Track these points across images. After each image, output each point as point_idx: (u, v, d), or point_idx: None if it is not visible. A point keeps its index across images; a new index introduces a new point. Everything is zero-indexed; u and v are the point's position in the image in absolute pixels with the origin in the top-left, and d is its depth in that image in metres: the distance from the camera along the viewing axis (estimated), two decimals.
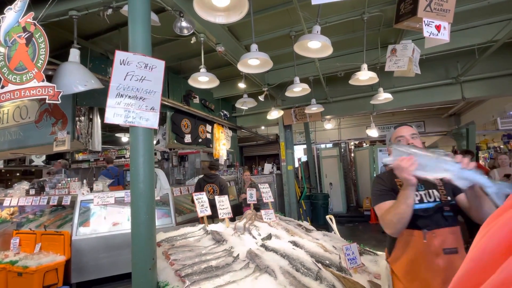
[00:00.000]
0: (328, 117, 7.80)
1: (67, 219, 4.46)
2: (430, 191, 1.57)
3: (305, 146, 10.32)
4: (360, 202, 9.60)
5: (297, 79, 4.29)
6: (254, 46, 2.93)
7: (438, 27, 2.44)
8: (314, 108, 5.78)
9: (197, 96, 6.36)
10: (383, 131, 10.29)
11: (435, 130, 10.24)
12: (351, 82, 4.05)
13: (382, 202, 1.57)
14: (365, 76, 3.80)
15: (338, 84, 6.49)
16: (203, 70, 3.71)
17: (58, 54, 4.46)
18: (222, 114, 7.51)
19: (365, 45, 4.22)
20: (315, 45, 2.91)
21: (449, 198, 1.53)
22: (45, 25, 2.77)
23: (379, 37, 4.87)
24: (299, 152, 11.10)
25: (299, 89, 4.24)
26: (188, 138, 5.87)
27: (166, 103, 5.24)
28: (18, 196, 4.95)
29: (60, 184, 4.97)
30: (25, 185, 5.35)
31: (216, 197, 3.38)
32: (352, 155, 10.91)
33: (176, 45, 4.91)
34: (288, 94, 4.50)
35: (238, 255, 2.39)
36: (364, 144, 11.06)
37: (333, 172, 9.71)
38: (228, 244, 2.68)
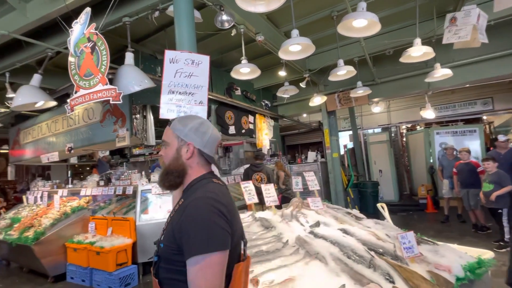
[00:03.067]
0: (375, 100, 7.32)
1: (131, 207, 4.99)
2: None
3: (350, 132, 9.87)
4: (415, 189, 8.93)
5: (341, 61, 4.10)
6: (295, 32, 2.87)
7: None
8: (360, 91, 5.46)
9: (239, 88, 6.49)
10: (441, 112, 9.32)
11: (507, 107, 8.91)
12: (402, 59, 3.73)
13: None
14: (418, 51, 3.46)
15: (386, 63, 6.03)
16: (244, 61, 3.76)
17: (114, 59, 4.92)
18: (263, 104, 7.55)
19: (417, 17, 3.82)
20: (361, 24, 2.73)
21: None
22: (103, 33, 3.07)
23: (435, 6, 4.36)
24: (345, 139, 10.66)
25: (343, 72, 4.05)
26: (232, 130, 6.06)
27: (210, 97, 5.45)
28: (91, 187, 5.68)
29: (123, 176, 5.56)
30: (95, 177, 6.10)
31: (262, 186, 3.46)
32: (404, 139, 10.12)
33: (217, 39, 5.04)
34: (331, 78, 4.33)
35: (287, 241, 2.45)
36: (418, 127, 10.15)
37: (383, 158, 9.13)
38: (277, 230, 2.75)
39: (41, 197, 5.91)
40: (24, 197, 6.58)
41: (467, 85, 7.65)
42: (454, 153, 6.29)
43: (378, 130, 10.44)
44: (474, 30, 3.39)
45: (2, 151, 12.74)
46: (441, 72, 4.39)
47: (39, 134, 6.79)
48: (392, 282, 1.85)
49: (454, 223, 6.09)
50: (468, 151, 5.63)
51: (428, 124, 9.68)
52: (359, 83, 5.51)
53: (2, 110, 6.27)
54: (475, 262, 2.11)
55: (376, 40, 5.15)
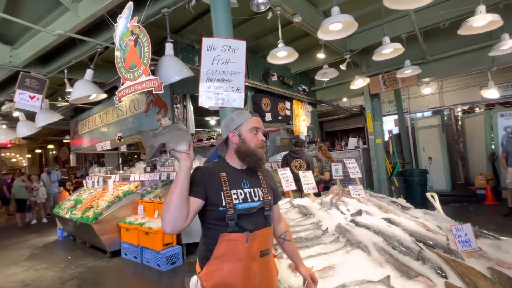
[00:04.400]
0: (426, 80, 6.65)
1: None
2: (255, 189, 1.40)
3: (396, 116, 9.18)
4: (471, 179, 8.07)
5: (386, 39, 3.75)
6: (335, 9, 2.68)
7: None
8: (409, 71, 4.98)
9: (275, 74, 6.37)
10: (507, 90, 8.16)
11: None
12: (461, 31, 3.27)
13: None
14: (482, 21, 3.00)
15: (440, 38, 5.40)
16: (281, 45, 3.65)
17: (155, 51, 5.14)
18: (300, 89, 7.34)
19: None
20: None
21: (269, 197, 1.43)
22: (144, 26, 3.20)
23: None
24: (389, 124, 9.95)
25: (389, 50, 3.71)
26: (268, 116, 6.02)
27: (247, 84, 5.43)
28: (139, 173, 6.15)
29: (167, 163, 5.90)
30: (143, 164, 6.58)
31: (300, 173, 3.39)
32: (460, 123, 9.12)
33: (252, 24, 4.96)
34: (375, 58, 4.00)
35: (327, 228, 2.38)
36: (477, 109, 9.04)
37: (433, 144, 8.35)
38: (316, 218, 2.69)
39: (97, 181, 6.57)
40: (84, 181, 7.39)
41: None
42: None
43: (428, 113, 9.54)
44: None
45: (65, 141, 14.45)
46: (510, 44, 3.79)
47: (94, 125, 7.50)
48: (445, 277, 1.70)
49: None
50: None
51: (490, 106, 8.56)
52: (407, 62, 5.02)
53: (63, 104, 7.01)
54: None
55: (429, 12, 4.59)
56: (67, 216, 5.77)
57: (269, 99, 6.09)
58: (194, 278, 1.32)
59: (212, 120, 10.37)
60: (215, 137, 10.37)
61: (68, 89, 4.94)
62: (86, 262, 4.86)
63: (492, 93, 5.92)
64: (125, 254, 4.97)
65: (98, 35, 4.23)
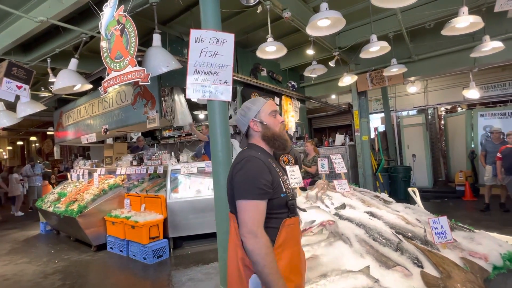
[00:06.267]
0: (411, 78, 6.81)
1: (162, 185, 5.27)
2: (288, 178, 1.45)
3: (382, 114, 9.38)
4: (451, 176, 8.38)
5: (374, 37, 3.82)
6: (324, 5, 2.70)
7: None
8: (395, 69, 5.09)
9: (265, 69, 6.38)
10: (487, 91, 8.47)
11: None
12: (444, 32, 3.37)
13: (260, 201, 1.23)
14: (465, 22, 3.10)
15: (425, 37, 5.53)
16: (270, 39, 3.65)
17: (143, 42, 5.04)
18: (289, 85, 7.38)
19: None
20: None
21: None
22: (131, 17, 3.13)
23: None
24: (376, 122, 10.17)
25: (376, 48, 3.78)
26: None
27: (236, 78, 5.43)
28: (126, 166, 6.06)
29: (154, 156, 5.84)
30: (129, 157, 6.48)
31: (287, 167, 3.43)
32: (442, 122, 9.41)
33: (242, 18, 4.94)
34: (363, 55, 4.07)
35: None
36: (459, 108, 9.35)
37: (417, 142, 8.60)
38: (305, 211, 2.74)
39: (83, 174, 6.44)
40: (68, 174, 7.22)
41: None
42: (501, 136, 5.74)
43: (413, 112, 9.79)
44: None
45: (48, 132, 14.00)
46: (491, 46, 3.92)
47: (79, 117, 7.31)
48: (421, 266, 1.79)
49: (495, 212, 5.66)
50: None
51: (471, 106, 8.87)
52: (394, 61, 5.13)
53: (47, 94, 6.79)
54: None
55: (415, 12, 4.69)
56: (51, 209, 5.64)
57: (259, 94, 6.10)
58: (255, 278, 1.21)
59: (201, 114, 10.29)
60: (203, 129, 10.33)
61: (52, 79, 4.78)
62: (70, 256, 4.78)
63: (473, 93, 6.13)
64: (111, 248, 4.91)
65: (83, 23, 4.11)
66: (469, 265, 1.80)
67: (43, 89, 6.73)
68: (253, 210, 1.19)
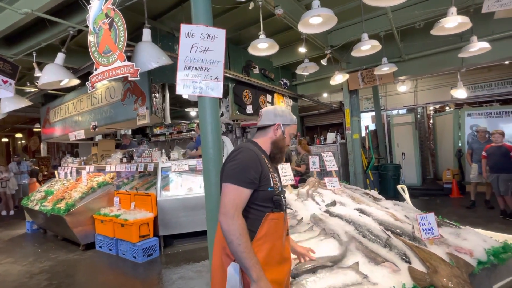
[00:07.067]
0: (402, 78, 6.90)
1: (152, 183, 5.20)
2: (279, 178, 1.51)
3: (373, 113, 9.49)
4: (439, 174, 8.56)
5: (365, 35, 3.84)
6: (316, 2, 2.70)
7: None
8: (386, 68, 5.15)
9: (257, 66, 6.35)
10: (474, 91, 8.67)
11: None
12: (433, 32, 3.42)
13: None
14: (453, 22, 3.15)
15: (415, 37, 5.61)
16: (262, 36, 3.63)
17: (132, 38, 4.94)
18: (282, 83, 7.38)
19: None
20: None
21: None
22: (121, 11, 3.06)
23: None
24: (367, 120, 10.28)
25: (367, 46, 3.81)
26: (249, 109, 6.01)
27: (228, 75, 5.39)
28: (115, 163, 5.96)
29: (144, 154, 5.76)
30: (119, 154, 6.37)
31: (279, 165, 3.43)
32: (431, 121, 9.59)
33: (234, 14, 4.89)
34: (354, 54, 4.10)
35: (302, 218, 2.45)
36: (448, 108, 9.55)
37: (407, 141, 8.75)
38: (292, 208, 2.76)
39: (71, 172, 6.30)
40: (56, 172, 7.05)
41: (507, 62, 7.00)
42: (487, 135, 5.89)
43: (403, 111, 9.95)
44: None
45: (35, 129, 13.62)
46: (478, 46, 4.00)
47: (66, 113, 7.14)
48: (408, 262, 1.81)
49: (480, 209, 5.82)
50: (502, 134, 5.25)
51: (459, 105, 9.07)
52: (384, 60, 5.19)
53: (32, 89, 6.59)
54: (500, 246, 2.01)
55: (405, 12, 4.75)
56: (37, 208, 5.50)
57: (251, 92, 6.08)
58: (233, 265, 1.27)
59: (192, 112, 10.21)
60: (195, 129, 10.24)
61: (37, 73, 4.65)
62: (58, 255, 4.68)
63: (460, 93, 6.26)
64: (100, 247, 4.83)
65: (70, 16, 4.00)
66: (455, 260, 1.84)
67: (28, 84, 6.53)
68: (234, 194, 1.26)
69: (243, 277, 1.24)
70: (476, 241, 2.04)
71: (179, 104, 9.05)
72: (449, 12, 3.20)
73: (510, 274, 2.24)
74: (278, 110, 1.52)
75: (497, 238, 2.21)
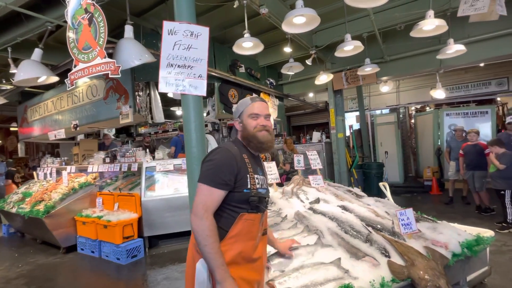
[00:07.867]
0: (384, 78, 7.09)
1: (136, 183, 5.10)
2: (264, 177, 1.50)
3: (357, 113, 9.69)
4: (420, 172, 8.85)
5: (348, 36, 3.93)
6: (299, 2, 2.73)
7: None
8: (368, 69, 5.28)
9: (243, 65, 6.35)
10: (452, 92, 9.02)
11: None
12: (412, 34, 3.54)
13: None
14: (431, 25, 3.27)
15: (397, 39, 5.77)
16: (247, 35, 3.64)
17: (115, 35, 4.82)
18: (268, 82, 7.41)
19: None
20: None
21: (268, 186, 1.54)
22: (102, 6, 2.98)
23: None
24: (351, 120, 10.50)
25: (350, 47, 3.89)
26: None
27: (213, 74, 5.35)
28: (98, 164, 5.79)
29: (128, 153, 5.63)
30: (101, 154, 6.20)
31: (265, 163, 3.46)
32: (413, 121, 9.91)
33: (220, 13, 4.87)
34: (338, 54, 4.17)
35: (286, 215, 2.47)
36: (428, 108, 9.89)
37: (390, 140, 9.00)
38: (277, 206, 2.78)
39: (50, 173, 6.08)
40: (34, 173, 6.78)
41: (482, 64, 7.33)
42: (464, 134, 6.15)
43: (386, 111, 10.22)
44: (492, 1, 3.17)
45: (12, 128, 13.03)
46: (455, 48, 4.17)
47: (46, 112, 6.88)
48: (388, 256, 1.87)
49: (458, 205, 6.07)
50: (477, 133, 5.49)
51: (439, 105, 9.41)
52: (367, 60, 5.32)
53: (8, 86, 6.31)
54: (473, 239, 2.11)
55: (387, 14, 4.89)
56: (14, 210, 5.27)
57: (237, 91, 6.07)
58: (201, 262, 1.28)
59: (178, 111, 10.08)
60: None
61: (13, 70, 4.45)
62: (36, 259, 4.51)
63: (439, 93, 6.50)
64: (82, 249, 4.69)
65: (48, 11, 3.86)
66: (431, 253, 1.91)
67: (4, 81, 6.24)
68: (206, 195, 1.27)
69: (212, 274, 1.26)
70: (451, 235, 2.13)
71: (165, 104, 8.90)
72: (427, 15, 3.32)
73: (482, 265, 2.36)
74: (235, 106, 1.55)
75: (471, 231, 2.32)
